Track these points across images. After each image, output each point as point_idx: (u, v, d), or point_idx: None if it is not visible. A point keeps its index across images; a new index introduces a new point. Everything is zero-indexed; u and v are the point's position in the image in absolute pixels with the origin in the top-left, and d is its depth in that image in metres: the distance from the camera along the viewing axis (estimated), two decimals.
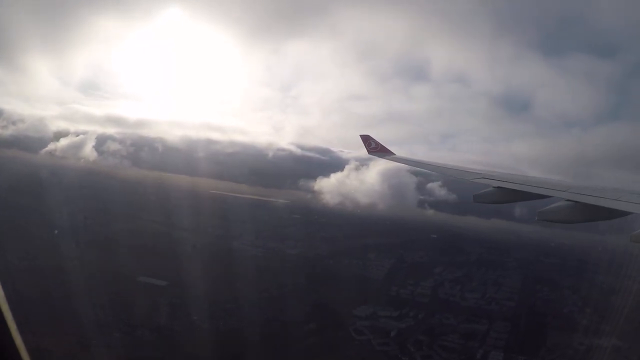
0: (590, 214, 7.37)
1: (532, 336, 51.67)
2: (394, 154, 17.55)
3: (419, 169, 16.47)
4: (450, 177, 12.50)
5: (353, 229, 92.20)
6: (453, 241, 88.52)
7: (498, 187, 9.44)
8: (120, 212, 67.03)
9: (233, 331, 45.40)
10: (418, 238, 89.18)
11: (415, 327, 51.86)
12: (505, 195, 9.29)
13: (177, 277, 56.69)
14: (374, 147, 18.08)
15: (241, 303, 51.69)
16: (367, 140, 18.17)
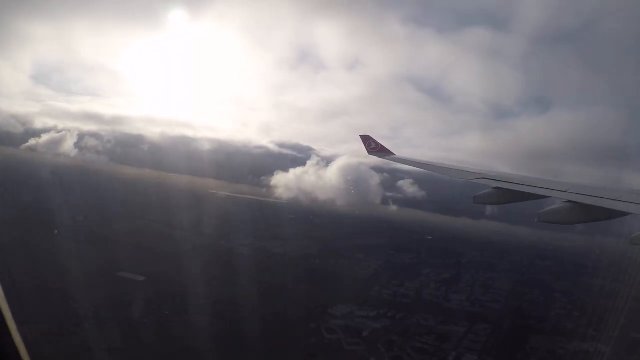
0: (589, 214, 7.34)
1: (512, 340, 49.93)
2: (394, 154, 17.53)
3: (419, 169, 16.16)
4: (451, 177, 12.40)
5: (346, 229, 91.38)
6: (448, 243, 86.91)
7: (497, 187, 9.31)
8: (98, 207, 68.05)
9: (198, 325, 45.30)
10: (412, 239, 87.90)
11: (391, 327, 50.71)
12: (505, 196, 9.18)
13: (159, 273, 57.41)
14: (374, 148, 18.01)
15: (214, 299, 51.66)
16: (367, 140, 18.12)
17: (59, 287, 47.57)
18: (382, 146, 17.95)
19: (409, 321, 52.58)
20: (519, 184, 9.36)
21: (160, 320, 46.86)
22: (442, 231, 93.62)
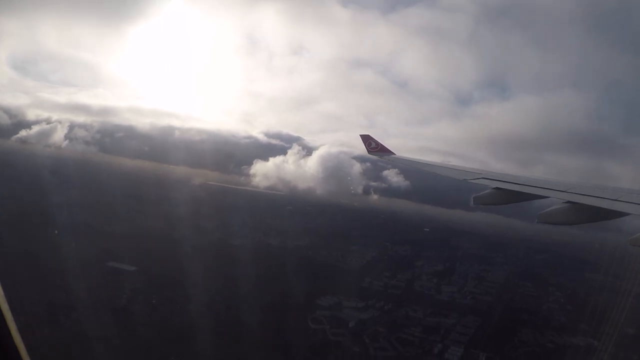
0: (589, 215, 7.41)
1: (501, 332, 49.25)
2: (394, 154, 17.52)
3: (418, 169, 16.21)
4: (451, 177, 12.45)
5: (343, 220, 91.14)
6: (445, 235, 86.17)
7: (497, 188, 9.33)
8: (86, 197, 68.29)
9: (185, 314, 45.45)
10: (409, 231, 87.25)
11: (378, 318, 50.38)
12: (504, 196, 9.23)
13: (152, 263, 57.70)
14: (374, 147, 17.91)
15: (203, 289, 51.65)
16: (367, 140, 18.02)
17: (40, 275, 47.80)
18: (382, 146, 17.88)
19: (397, 312, 52.21)
20: (518, 183, 9.42)
21: (149, 308, 47.04)
22: (437, 222, 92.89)
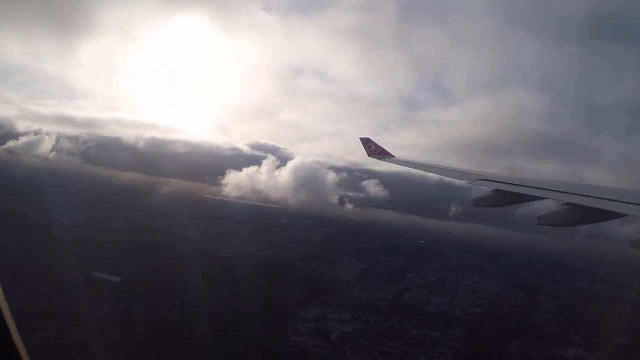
0: (589, 216, 7.47)
1: (487, 345, 47.85)
2: (394, 157, 17.54)
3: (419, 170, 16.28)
4: (451, 178, 12.49)
5: (338, 233, 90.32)
6: (440, 247, 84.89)
7: (496, 190, 9.39)
8: (71, 207, 68.67)
9: (165, 323, 45.15)
10: (403, 243, 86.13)
11: (362, 331, 49.34)
12: (504, 198, 9.26)
13: (140, 274, 57.73)
14: (374, 150, 17.88)
15: (188, 299, 51.42)
16: (366, 143, 18.03)
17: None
18: (382, 148, 17.84)
19: (382, 325, 51.13)
20: (518, 185, 9.41)
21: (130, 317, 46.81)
22: (435, 236, 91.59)
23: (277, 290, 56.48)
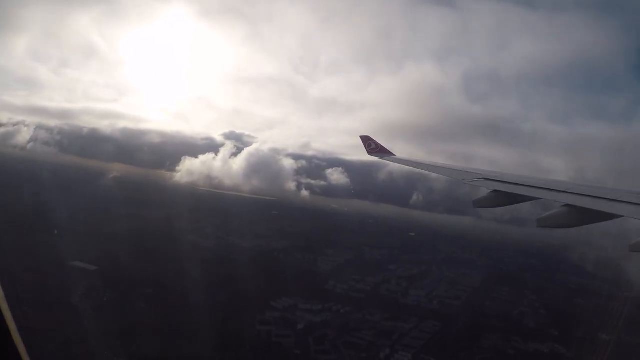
0: (588, 217, 7.50)
1: (460, 338, 46.24)
2: (394, 155, 17.49)
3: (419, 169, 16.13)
4: (450, 177, 12.46)
5: (328, 225, 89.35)
6: (429, 240, 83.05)
7: (495, 190, 9.45)
8: (49, 197, 69.04)
9: (136, 312, 44.85)
10: (393, 235, 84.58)
11: (330, 321, 48.17)
12: (504, 199, 9.35)
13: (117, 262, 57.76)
14: (374, 148, 17.81)
15: (161, 288, 51.17)
16: (367, 141, 17.93)
17: None
18: (382, 147, 17.77)
19: (352, 316, 49.95)
20: (517, 184, 9.45)
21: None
22: (426, 229, 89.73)
23: (255, 280, 55.79)
